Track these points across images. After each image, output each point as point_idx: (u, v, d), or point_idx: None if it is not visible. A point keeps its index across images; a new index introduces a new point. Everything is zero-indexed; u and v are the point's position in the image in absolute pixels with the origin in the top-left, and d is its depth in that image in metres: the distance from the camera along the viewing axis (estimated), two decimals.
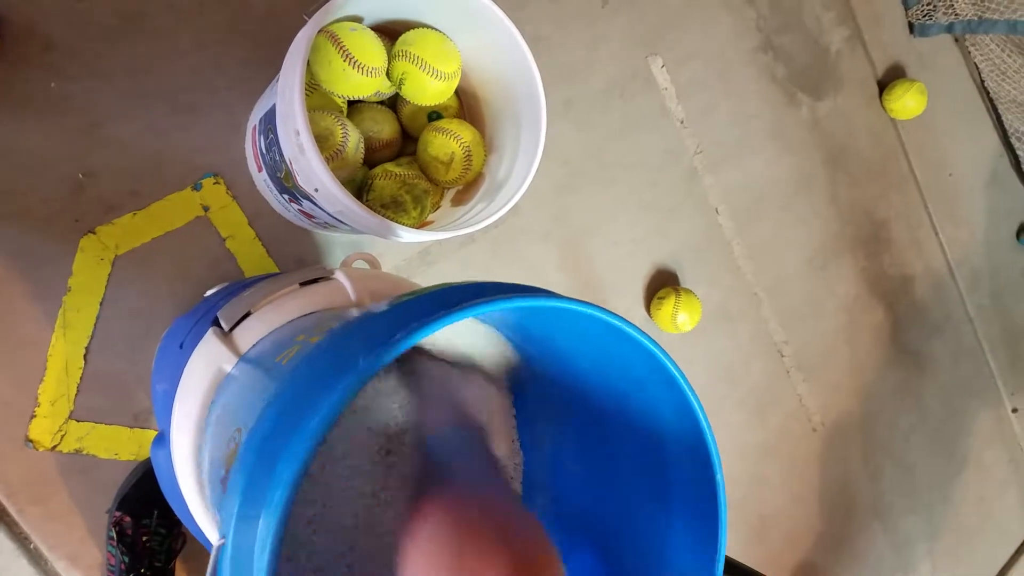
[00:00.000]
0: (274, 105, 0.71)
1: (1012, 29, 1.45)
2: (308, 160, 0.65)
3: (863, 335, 1.51)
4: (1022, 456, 1.78)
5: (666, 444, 0.44)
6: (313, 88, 0.78)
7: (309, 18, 0.67)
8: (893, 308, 1.55)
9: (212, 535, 0.56)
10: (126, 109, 0.87)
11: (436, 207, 0.87)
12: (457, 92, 0.86)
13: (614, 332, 0.38)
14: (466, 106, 0.89)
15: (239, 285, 0.77)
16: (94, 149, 0.86)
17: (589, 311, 0.36)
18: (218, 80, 0.91)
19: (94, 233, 0.85)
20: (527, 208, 1.12)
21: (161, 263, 0.89)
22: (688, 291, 1.21)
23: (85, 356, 0.85)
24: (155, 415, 0.81)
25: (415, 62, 0.75)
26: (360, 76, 0.73)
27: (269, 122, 0.74)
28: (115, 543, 0.83)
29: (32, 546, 0.83)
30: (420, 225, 0.82)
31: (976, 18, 1.51)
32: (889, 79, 1.54)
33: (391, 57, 0.77)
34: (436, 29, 0.78)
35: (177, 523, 0.87)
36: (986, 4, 1.47)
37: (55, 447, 0.83)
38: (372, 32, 0.75)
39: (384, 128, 0.84)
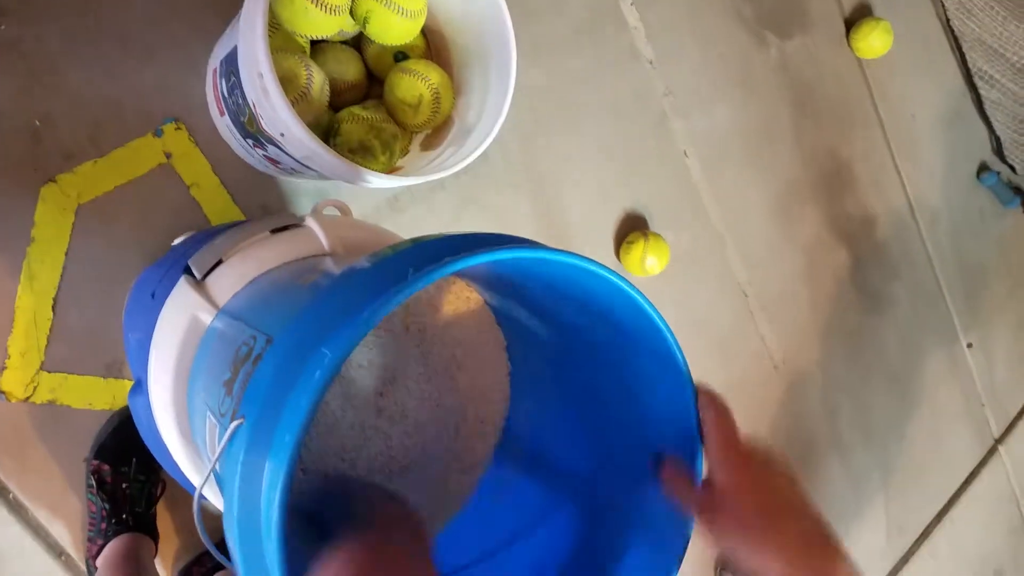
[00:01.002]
0: (235, 47, 0.69)
1: None
2: (272, 103, 0.64)
3: (825, 276, 1.55)
4: (973, 390, 1.86)
5: (645, 394, 0.46)
6: (275, 29, 0.75)
7: None
8: (854, 249, 1.59)
9: (194, 477, 0.57)
10: (79, 53, 0.83)
11: (405, 152, 0.87)
12: (423, 32, 0.84)
13: (594, 278, 0.39)
14: (433, 47, 0.87)
15: (207, 233, 0.76)
16: (49, 95, 0.83)
17: (586, 265, 0.37)
18: (174, 20, 0.88)
19: (55, 182, 0.83)
20: (495, 154, 1.12)
21: (126, 212, 0.87)
22: (656, 235, 1.23)
23: (53, 307, 0.84)
24: (129, 364, 0.81)
25: None
26: (323, 14, 0.71)
27: (231, 64, 0.72)
28: (95, 491, 0.84)
29: (11, 496, 0.83)
30: (390, 171, 0.82)
31: None
32: (856, 18, 1.54)
33: None
34: None
35: (157, 470, 0.88)
36: None
37: (28, 398, 0.83)
38: None
39: (349, 69, 0.82)
